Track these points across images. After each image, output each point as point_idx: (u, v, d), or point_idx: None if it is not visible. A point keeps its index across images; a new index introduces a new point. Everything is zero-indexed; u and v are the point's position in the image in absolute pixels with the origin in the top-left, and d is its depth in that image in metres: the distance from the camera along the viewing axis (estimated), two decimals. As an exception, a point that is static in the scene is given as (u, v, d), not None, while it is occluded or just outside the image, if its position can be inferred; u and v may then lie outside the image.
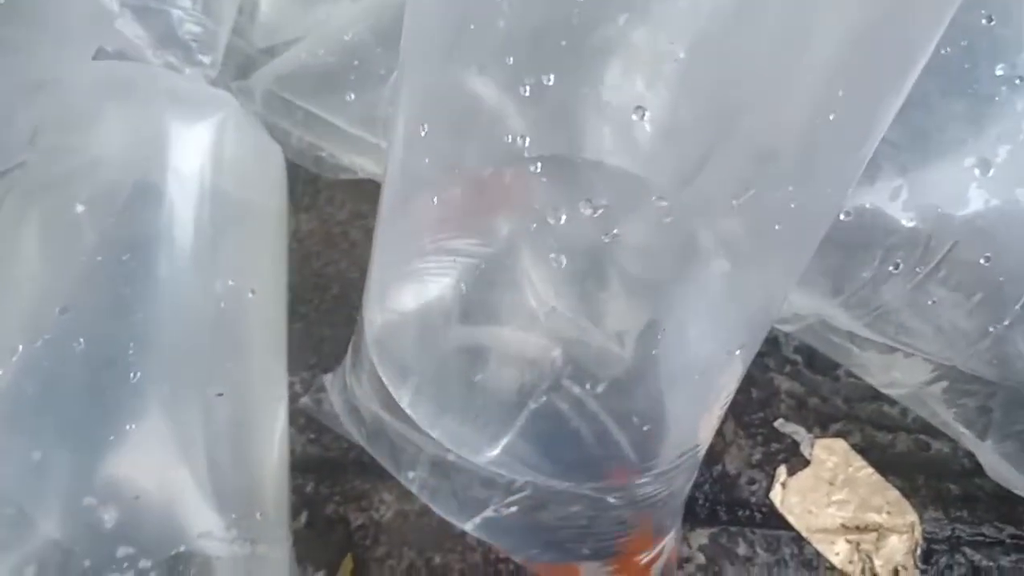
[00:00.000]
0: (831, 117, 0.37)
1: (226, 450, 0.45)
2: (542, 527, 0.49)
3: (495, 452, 0.44)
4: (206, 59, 0.60)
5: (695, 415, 0.48)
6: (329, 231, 0.65)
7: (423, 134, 0.43)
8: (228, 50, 0.62)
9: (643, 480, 0.46)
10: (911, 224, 0.48)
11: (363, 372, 0.48)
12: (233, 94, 0.56)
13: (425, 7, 0.42)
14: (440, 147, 0.44)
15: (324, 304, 0.62)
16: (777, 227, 0.41)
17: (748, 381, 0.59)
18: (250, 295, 0.49)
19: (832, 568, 0.53)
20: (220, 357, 0.47)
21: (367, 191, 0.67)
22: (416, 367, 0.45)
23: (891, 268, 0.49)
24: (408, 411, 0.44)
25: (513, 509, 0.48)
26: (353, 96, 0.57)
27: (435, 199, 0.45)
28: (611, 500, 0.46)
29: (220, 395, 0.45)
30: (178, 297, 0.46)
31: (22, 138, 0.47)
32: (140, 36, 0.58)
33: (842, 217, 0.48)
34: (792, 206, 0.40)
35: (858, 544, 0.54)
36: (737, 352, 0.46)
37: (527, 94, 0.39)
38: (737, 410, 0.58)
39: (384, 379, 0.45)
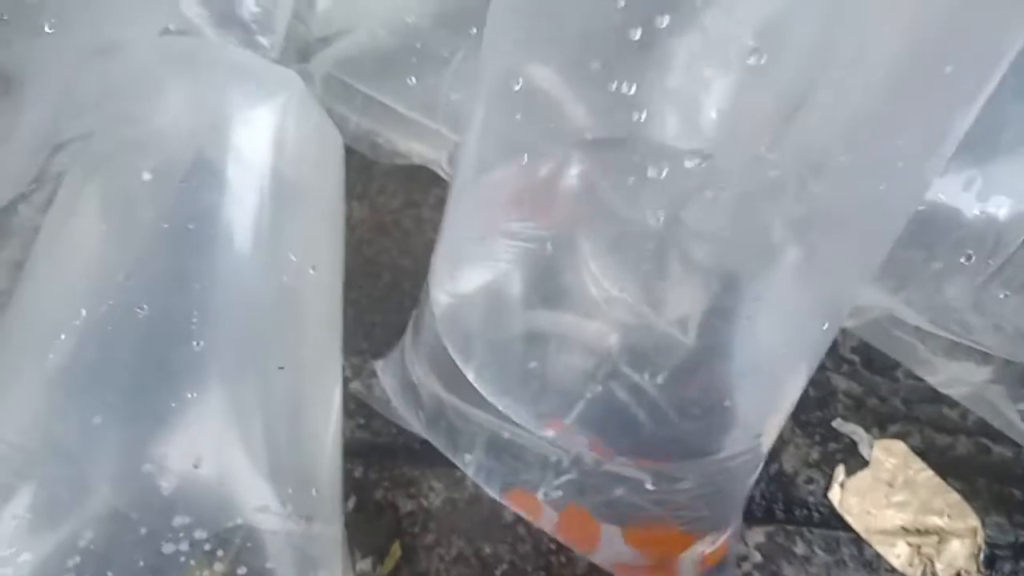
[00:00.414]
0: (909, 101, 0.36)
1: (284, 425, 0.45)
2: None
3: (554, 431, 0.43)
4: (265, 41, 0.60)
5: (757, 408, 0.47)
6: (381, 219, 0.65)
7: (493, 119, 0.43)
8: (287, 35, 0.62)
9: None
10: (983, 216, 0.47)
11: (424, 351, 0.48)
12: (292, 78, 0.56)
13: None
14: (508, 132, 0.43)
15: (376, 291, 0.62)
16: (850, 217, 0.40)
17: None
18: (311, 272, 0.49)
19: (892, 570, 0.52)
20: (282, 331, 0.46)
21: (419, 180, 0.67)
22: (482, 345, 0.44)
23: (962, 260, 0.48)
24: (475, 384, 0.43)
25: (559, 494, 0.48)
26: (414, 80, 0.57)
27: (501, 183, 0.44)
28: (652, 487, 0.46)
29: (281, 369, 0.45)
30: (242, 268, 0.46)
31: (89, 102, 0.47)
32: (201, 15, 0.59)
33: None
34: (868, 195, 0.39)
35: (919, 547, 0.53)
36: (807, 345, 0.45)
37: (592, 79, 0.39)
38: (794, 409, 0.57)
39: (452, 353, 0.44)
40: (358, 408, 0.56)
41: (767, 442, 0.46)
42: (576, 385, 0.44)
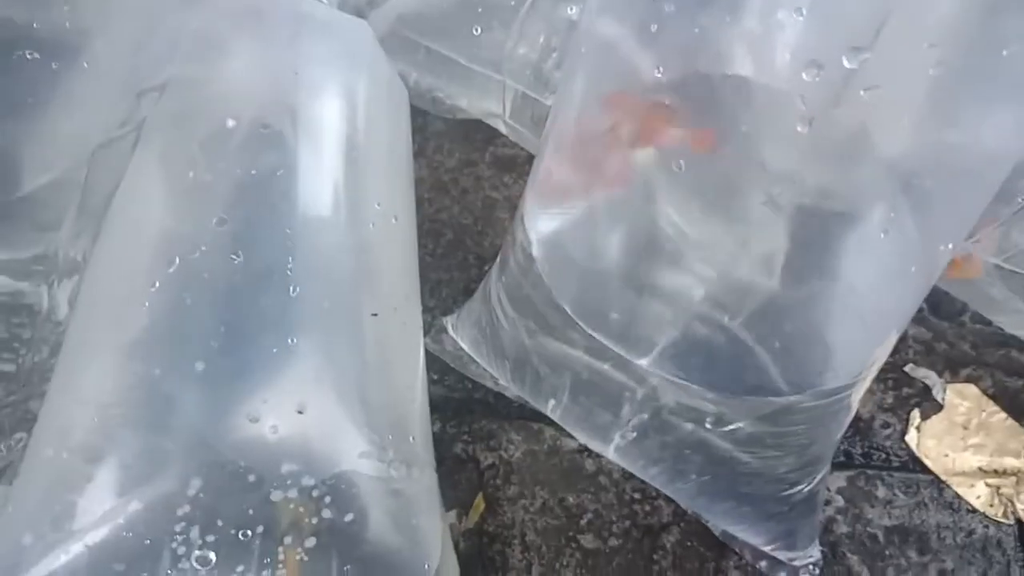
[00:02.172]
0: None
1: (379, 371, 0.44)
2: (658, 455, 0.48)
3: (647, 360, 0.43)
4: (325, -3, 0.60)
5: (855, 355, 0.47)
6: (439, 178, 0.64)
7: (576, 71, 0.43)
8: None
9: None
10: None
11: (513, 294, 0.47)
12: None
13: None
14: (597, 75, 0.43)
15: (439, 249, 0.61)
16: (933, 164, 0.39)
17: (873, 327, 0.58)
18: (394, 221, 0.48)
19: (973, 511, 0.52)
20: (372, 278, 0.46)
21: (474, 139, 0.67)
22: (580, 279, 0.44)
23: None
24: (573, 314, 0.43)
25: (635, 435, 0.48)
26: (480, 30, 0.56)
27: (583, 131, 0.44)
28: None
29: (375, 315, 0.44)
30: (330, 215, 0.45)
31: (167, 51, 0.46)
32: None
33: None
34: (961, 139, 0.38)
35: (998, 488, 0.53)
36: (900, 292, 0.44)
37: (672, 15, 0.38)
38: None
39: (550, 286, 0.44)
40: (431, 364, 0.56)
41: (859, 386, 0.46)
42: (670, 325, 0.44)
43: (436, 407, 0.55)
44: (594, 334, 0.43)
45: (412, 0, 0.60)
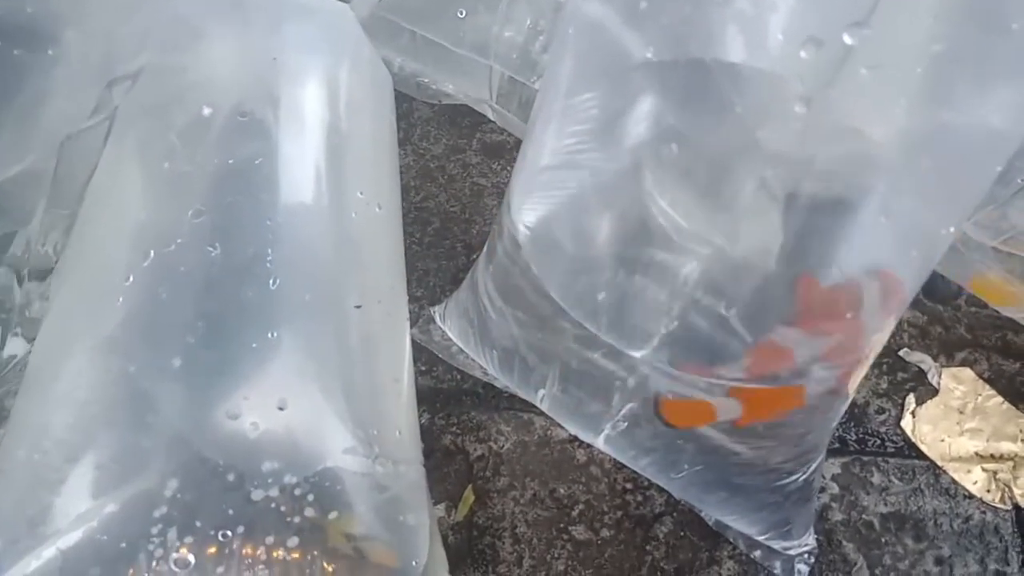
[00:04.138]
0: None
1: (363, 365, 0.43)
2: (650, 445, 0.47)
3: (640, 350, 0.42)
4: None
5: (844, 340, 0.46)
6: (426, 165, 0.63)
7: (572, 45, 0.42)
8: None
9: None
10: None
11: (501, 283, 0.46)
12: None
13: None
14: (586, 57, 0.42)
15: (426, 237, 0.60)
16: (936, 144, 0.38)
17: (868, 311, 0.57)
18: (377, 210, 0.47)
19: (970, 497, 0.51)
20: (355, 269, 0.45)
21: (461, 126, 0.65)
22: (568, 268, 0.43)
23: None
24: (562, 303, 0.42)
25: (625, 425, 0.47)
26: (464, 13, 0.55)
27: (588, 105, 0.43)
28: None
29: (358, 307, 0.43)
30: (311, 204, 0.44)
31: (141, 38, 0.45)
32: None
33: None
34: (965, 119, 0.37)
35: (995, 473, 0.52)
36: (894, 276, 0.43)
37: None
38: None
39: (539, 275, 0.43)
40: (419, 355, 0.55)
41: (853, 377, 0.45)
42: (663, 314, 0.43)
43: (424, 399, 0.54)
44: (585, 324, 0.42)
45: (396, -17, 0.59)
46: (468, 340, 0.51)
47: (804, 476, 0.46)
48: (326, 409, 0.41)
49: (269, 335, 0.40)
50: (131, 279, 0.40)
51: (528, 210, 0.43)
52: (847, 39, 0.32)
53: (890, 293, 0.43)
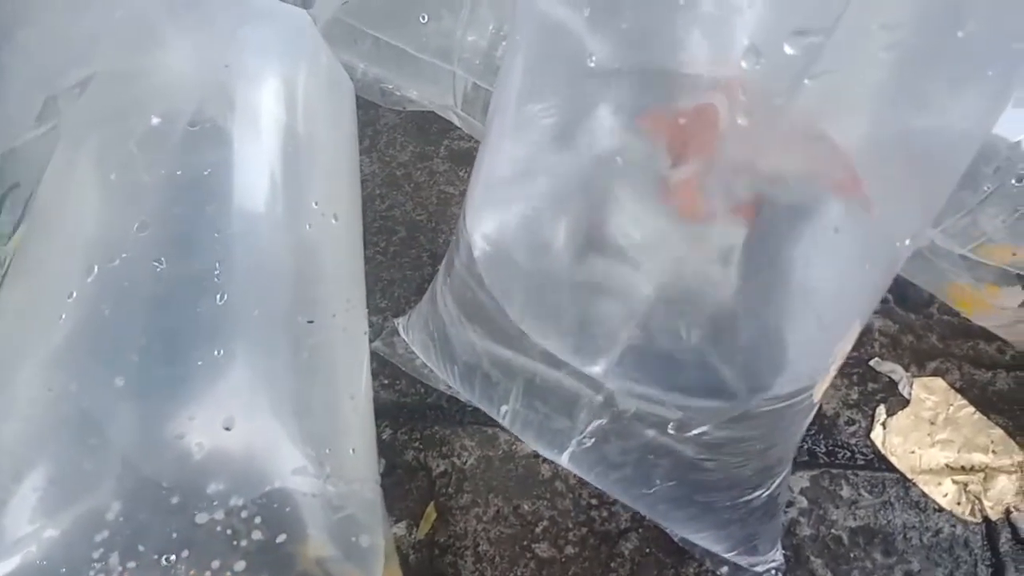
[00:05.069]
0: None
1: (316, 381, 0.42)
2: (624, 461, 0.46)
3: (602, 368, 0.41)
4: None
5: (813, 358, 0.45)
6: (392, 173, 0.62)
7: (528, 52, 0.41)
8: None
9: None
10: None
11: (459, 298, 0.45)
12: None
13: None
14: (543, 66, 0.41)
15: (391, 247, 0.59)
16: (915, 145, 0.38)
17: (839, 320, 0.57)
18: (333, 221, 0.46)
19: (940, 509, 0.51)
20: (308, 282, 0.43)
21: (428, 132, 0.64)
22: (525, 285, 0.42)
23: (1003, 189, 0.46)
24: (519, 324, 0.41)
25: (592, 442, 0.46)
26: (427, 18, 0.54)
27: (544, 114, 0.42)
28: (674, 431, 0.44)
29: (310, 322, 0.42)
30: (263, 216, 0.43)
31: (89, 46, 0.43)
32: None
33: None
34: (922, 125, 0.37)
35: (966, 485, 0.51)
36: (859, 290, 0.43)
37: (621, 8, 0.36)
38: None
39: (494, 294, 0.42)
40: (382, 368, 0.54)
41: (819, 387, 0.45)
42: (620, 327, 0.42)
43: (387, 413, 0.53)
44: (542, 342, 0.41)
45: (358, -13, 0.58)
46: (430, 353, 0.50)
47: (768, 492, 0.45)
48: (275, 428, 0.39)
49: (216, 352, 0.39)
50: (74, 295, 0.39)
51: (483, 223, 0.42)
52: (788, 49, 0.31)
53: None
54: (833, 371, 0.44)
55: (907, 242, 0.38)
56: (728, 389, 0.43)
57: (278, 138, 0.46)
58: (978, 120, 0.37)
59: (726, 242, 0.42)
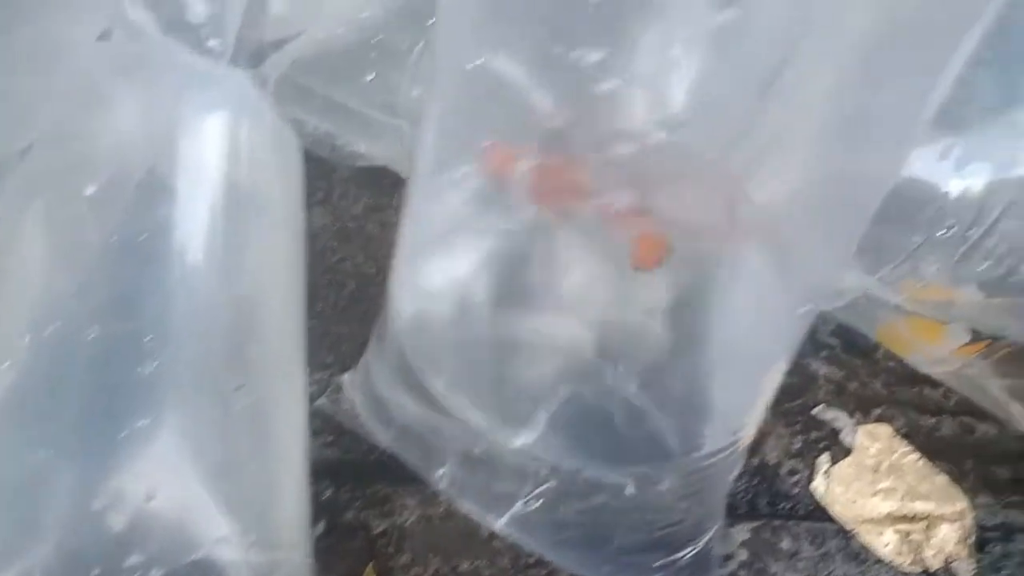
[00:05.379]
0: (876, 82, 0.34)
1: (245, 447, 0.43)
2: (569, 522, 0.46)
3: (530, 438, 0.42)
4: (215, 45, 0.58)
5: (735, 401, 0.45)
6: (344, 226, 0.63)
7: (452, 111, 0.41)
8: (239, 39, 0.60)
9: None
10: (961, 186, 0.46)
11: (390, 364, 0.46)
12: (247, 82, 0.54)
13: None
14: (468, 124, 0.42)
15: (340, 301, 0.60)
16: (823, 196, 0.39)
17: (784, 367, 0.57)
18: (271, 283, 0.47)
19: (880, 561, 0.51)
20: (239, 348, 0.44)
21: (382, 184, 0.65)
22: (449, 356, 0.42)
23: (941, 233, 0.46)
24: (442, 398, 0.41)
25: (539, 503, 0.46)
26: (373, 75, 0.55)
27: (465, 178, 0.42)
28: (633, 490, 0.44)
29: (239, 388, 0.43)
30: (197, 281, 0.43)
31: (27, 111, 0.44)
32: (147, 19, 0.56)
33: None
34: (843, 171, 0.38)
35: (907, 534, 0.51)
36: (783, 332, 0.43)
37: (557, 68, 0.37)
38: (775, 398, 0.55)
39: (416, 367, 0.42)
40: (325, 425, 0.54)
41: (746, 437, 0.45)
42: (549, 389, 0.43)
43: (330, 472, 0.53)
44: (467, 417, 0.42)
45: (305, 46, 0.59)
46: (368, 412, 0.50)
47: (698, 549, 0.45)
48: (200, 496, 0.40)
49: (143, 421, 0.39)
50: (7, 363, 0.40)
51: (404, 291, 0.43)
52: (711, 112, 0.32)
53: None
54: (759, 417, 0.45)
55: (823, 284, 0.39)
56: (664, 449, 0.44)
57: (221, 197, 0.46)
58: (890, 165, 0.39)
59: (653, 294, 0.43)
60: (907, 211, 0.46)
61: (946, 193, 0.45)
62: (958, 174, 0.45)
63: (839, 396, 0.57)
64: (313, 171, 0.61)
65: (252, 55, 0.62)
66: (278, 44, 0.61)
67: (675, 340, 0.43)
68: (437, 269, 0.43)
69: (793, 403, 0.56)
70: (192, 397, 0.41)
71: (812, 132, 0.37)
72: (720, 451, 0.44)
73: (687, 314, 0.43)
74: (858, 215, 0.38)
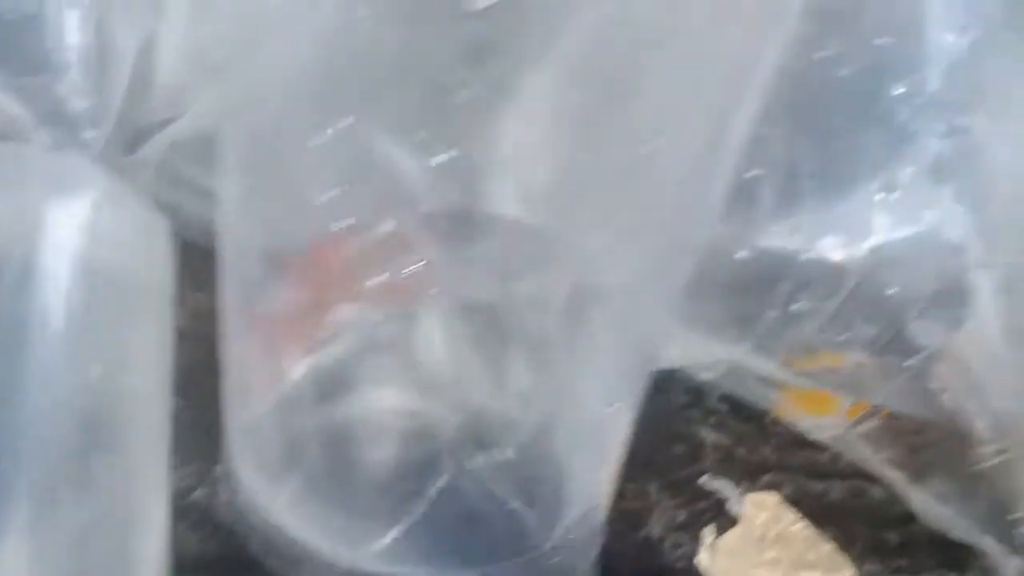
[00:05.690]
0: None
1: (98, 560, 0.41)
2: None
3: (381, 547, 0.41)
4: (92, 135, 0.58)
5: (595, 474, 0.45)
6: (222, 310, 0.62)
7: (296, 194, 0.41)
8: (120, 122, 0.60)
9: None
10: (815, 259, 0.47)
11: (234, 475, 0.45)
12: (124, 168, 0.54)
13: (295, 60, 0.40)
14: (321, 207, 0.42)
15: (219, 388, 0.58)
16: (654, 267, 0.39)
17: (671, 436, 0.57)
18: (138, 380, 0.46)
19: (767, 634, 0.50)
20: (91, 454, 0.43)
21: (264, 265, 0.64)
22: (285, 466, 0.41)
23: (797, 307, 0.47)
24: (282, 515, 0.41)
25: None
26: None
27: (311, 266, 0.42)
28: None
29: (90, 499, 0.41)
30: (47, 387, 0.42)
31: None
32: (20, 115, 0.56)
33: (742, 256, 0.46)
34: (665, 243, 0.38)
35: (795, 604, 0.51)
36: (626, 398, 0.43)
37: (421, 151, 0.38)
38: (661, 468, 0.55)
39: (252, 486, 0.41)
40: (202, 519, 0.52)
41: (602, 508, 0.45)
42: (406, 485, 0.42)
43: (204, 567, 0.51)
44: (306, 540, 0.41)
45: (185, 128, 0.59)
46: (233, 512, 0.49)
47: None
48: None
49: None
50: None
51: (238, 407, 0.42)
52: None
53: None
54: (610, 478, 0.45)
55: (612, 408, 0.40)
56: (522, 535, 0.43)
57: (68, 303, 0.45)
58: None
59: (520, 381, 0.43)
60: (765, 284, 0.47)
61: (801, 267, 0.46)
62: (811, 248, 0.46)
63: (728, 463, 0.57)
64: (193, 256, 0.60)
65: (132, 140, 0.61)
66: (164, 124, 0.61)
67: (538, 425, 0.43)
68: (276, 373, 0.42)
69: (680, 473, 0.56)
70: (40, 511, 0.40)
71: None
72: (574, 527, 0.43)
73: (548, 396, 0.43)
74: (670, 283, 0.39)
